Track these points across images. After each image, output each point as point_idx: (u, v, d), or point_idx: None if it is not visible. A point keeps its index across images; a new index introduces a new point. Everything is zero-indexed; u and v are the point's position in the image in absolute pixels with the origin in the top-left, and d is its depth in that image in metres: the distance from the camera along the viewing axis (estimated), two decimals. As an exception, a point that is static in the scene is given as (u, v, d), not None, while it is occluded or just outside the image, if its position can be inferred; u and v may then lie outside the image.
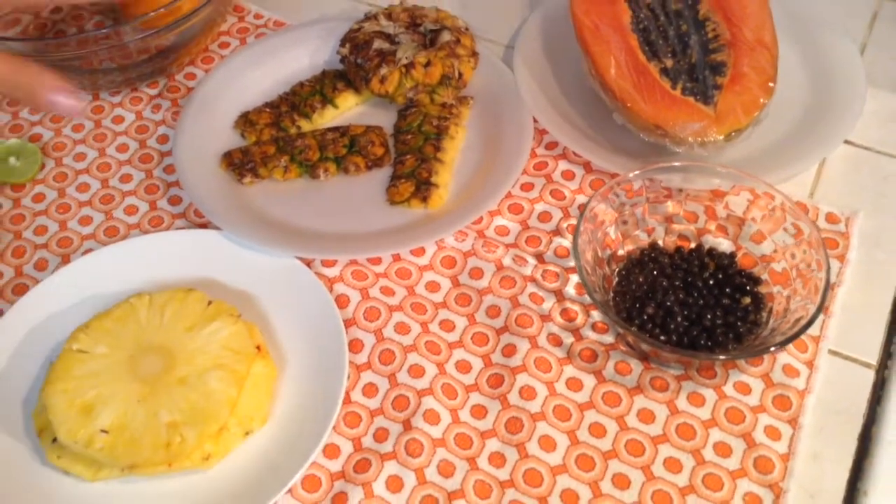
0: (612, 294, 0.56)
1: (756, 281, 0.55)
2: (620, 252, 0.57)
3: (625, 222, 0.57)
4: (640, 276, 0.56)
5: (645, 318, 0.53)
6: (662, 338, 0.53)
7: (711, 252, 0.57)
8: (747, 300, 0.54)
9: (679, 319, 0.53)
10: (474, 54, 0.70)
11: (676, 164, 0.57)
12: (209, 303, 0.53)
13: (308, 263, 0.59)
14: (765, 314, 0.54)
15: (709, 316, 0.53)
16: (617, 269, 0.57)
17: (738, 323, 0.53)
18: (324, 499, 0.49)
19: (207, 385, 0.49)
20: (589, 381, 0.54)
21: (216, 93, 0.69)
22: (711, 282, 0.55)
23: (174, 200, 0.65)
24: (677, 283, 0.55)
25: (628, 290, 0.55)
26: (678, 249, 0.57)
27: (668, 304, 0.53)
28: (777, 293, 0.54)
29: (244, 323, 0.52)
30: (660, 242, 0.58)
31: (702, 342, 0.52)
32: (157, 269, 0.58)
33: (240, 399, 0.49)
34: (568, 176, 0.64)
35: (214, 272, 0.58)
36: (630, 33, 0.64)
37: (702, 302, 0.54)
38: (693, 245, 0.58)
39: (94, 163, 0.68)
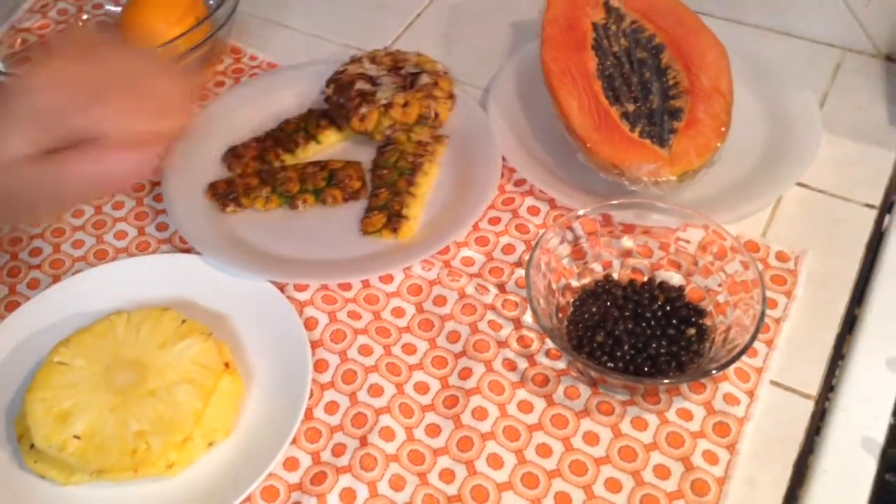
0: (565, 322, 0.59)
1: (701, 313, 0.58)
2: (575, 283, 0.61)
3: (582, 255, 0.61)
4: (594, 306, 0.59)
5: (595, 345, 0.56)
6: (610, 364, 0.56)
7: (662, 285, 0.60)
8: (692, 331, 0.57)
9: (626, 347, 0.56)
10: (451, 96, 0.74)
11: (628, 201, 0.60)
12: (183, 321, 0.56)
13: (281, 287, 0.62)
14: (707, 344, 0.57)
15: (654, 345, 0.56)
16: (572, 300, 0.60)
17: (682, 352, 0.56)
18: (281, 508, 0.52)
19: (175, 397, 0.52)
20: (539, 404, 0.56)
21: (208, 127, 0.74)
22: (660, 313, 0.58)
23: (161, 227, 0.69)
24: (627, 313, 0.58)
25: (581, 319, 0.58)
26: (631, 282, 0.60)
27: (617, 332, 0.56)
28: (719, 324, 0.57)
29: (215, 341, 0.56)
30: (615, 275, 0.61)
31: (646, 369, 0.55)
32: (138, 290, 0.62)
33: (205, 412, 0.53)
34: (533, 211, 0.68)
35: (192, 294, 0.62)
36: (595, 79, 0.68)
37: (649, 332, 0.57)
38: (646, 278, 0.61)
39: (91, 191, 0.73)
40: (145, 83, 0.48)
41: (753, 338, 0.52)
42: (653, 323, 0.57)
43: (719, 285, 0.58)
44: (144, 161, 0.48)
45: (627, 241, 0.61)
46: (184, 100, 0.50)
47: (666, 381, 0.54)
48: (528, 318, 0.61)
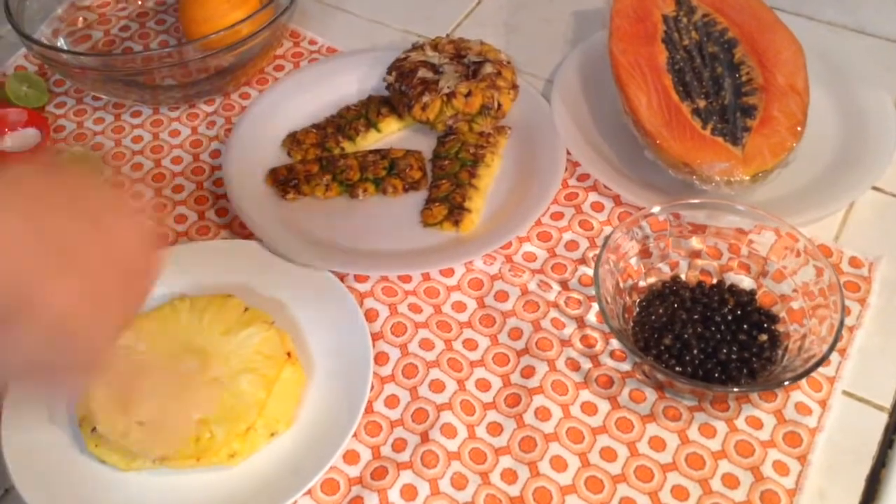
0: (631, 323, 0.58)
1: (774, 319, 0.56)
2: (642, 283, 0.59)
3: (648, 254, 0.59)
4: (661, 307, 0.57)
5: (662, 348, 0.55)
6: (678, 369, 0.54)
7: (732, 288, 0.58)
8: (764, 337, 0.55)
9: (695, 352, 0.54)
10: (514, 87, 0.73)
11: (700, 200, 0.59)
12: (245, 309, 0.56)
13: (341, 277, 0.62)
14: (780, 351, 0.55)
15: (724, 350, 0.54)
16: (638, 300, 0.59)
17: (753, 359, 0.54)
18: (341, 502, 0.52)
19: (239, 386, 0.52)
20: (604, 406, 0.55)
21: (267, 112, 0.73)
22: (730, 317, 0.56)
23: (221, 212, 0.68)
24: (696, 316, 0.56)
25: (647, 321, 0.57)
26: (700, 284, 0.59)
27: (686, 336, 0.55)
28: (793, 331, 0.55)
29: (277, 330, 0.55)
30: (682, 276, 0.60)
31: (716, 375, 0.54)
32: (199, 275, 0.61)
33: (268, 402, 0.52)
34: (597, 208, 0.66)
35: (253, 281, 0.61)
36: (665, 73, 0.67)
37: (719, 336, 0.55)
38: (715, 280, 0.59)
39: (150, 173, 0.72)
40: (104, 242, 0.39)
41: (831, 349, 0.50)
42: (722, 327, 0.56)
43: (794, 291, 0.56)
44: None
45: (697, 242, 0.60)
46: (150, 259, 0.42)
47: (736, 388, 0.53)
48: (592, 317, 0.60)
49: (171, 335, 0.55)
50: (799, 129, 0.62)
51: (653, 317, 0.57)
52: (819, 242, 0.62)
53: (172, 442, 0.50)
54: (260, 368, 0.53)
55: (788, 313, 0.56)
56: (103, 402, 0.51)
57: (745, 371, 0.54)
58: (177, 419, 0.51)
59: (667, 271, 0.60)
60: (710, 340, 0.55)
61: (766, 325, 0.56)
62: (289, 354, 0.55)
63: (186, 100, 0.77)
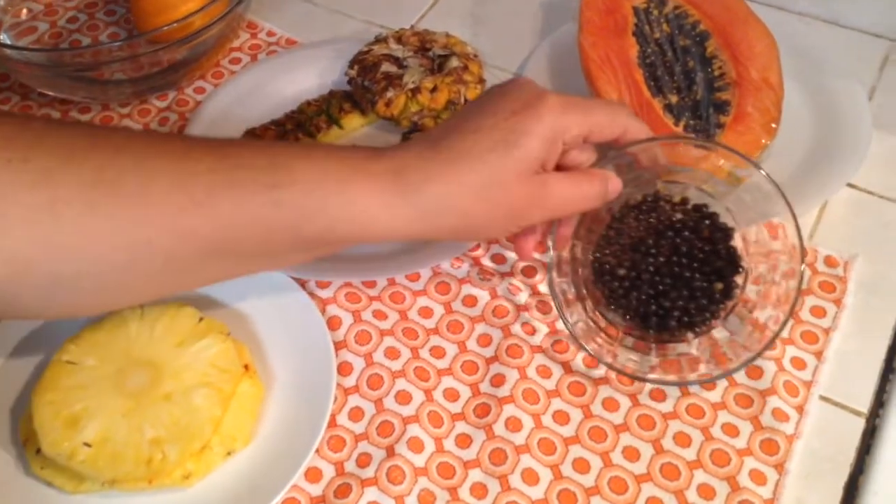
0: (592, 250, 0.55)
1: (738, 268, 0.53)
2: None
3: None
4: (634, 222, 0.54)
5: (615, 280, 0.53)
6: (623, 301, 0.53)
7: (714, 218, 0.54)
8: (720, 286, 0.52)
9: (645, 288, 0.53)
10: (481, 81, 0.70)
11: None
12: (200, 319, 0.53)
13: (302, 283, 0.59)
14: (730, 304, 0.53)
15: (672, 295, 0.52)
16: (613, 214, 0.55)
17: (695, 311, 0.52)
18: (303, 522, 0.49)
19: (192, 402, 0.49)
20: (576, 415, 0.53)
21: (223, 108, 0.70)
22: (697, 251, 0.53)
23: (175, 214, 0.65)
24: (664, 242, 0.53)
25: (616, 240, 0.54)
26: (684, 200, 0.55)
27: (642, 266, 0.53)
28: (748, 294, 0.53)
29: (234, 341, 0.53)
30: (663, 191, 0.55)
31: (654, 319, 0.52)
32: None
33: (224, 418, 0.50)
34: (567, 207, 0.64)
35: (209, 289, 0.58)
36: (636, 68, 0.65)
37: (676, 271, 0.52)
38: (701, 202, 0.54)
39: (100, 172, 0.69)
40: None
41: (788, 318, 0.49)
42: (684, 261, 0.52)
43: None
44: None
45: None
46: None
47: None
48: (562, 325, 0.56)
49: (119, 348, 0.52)
50: (773, 125, 0.61)
51: (622, 234, 0.54)
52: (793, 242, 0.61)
53: (122, 463, 0.47)
54: (215, 383, 0.50)
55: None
56: (48, 421, 0.48)
57: (685, 321, 0.52)
58: (127, 439, 0.48)
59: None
60: (664, 277, 0.53)
61: (726, 273, 0.53)
62: (246, 367, 0.52)
63: (138, 95, 0.73)
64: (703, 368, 0.51)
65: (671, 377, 0.52)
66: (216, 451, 0.49)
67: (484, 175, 0.44)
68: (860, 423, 0.53)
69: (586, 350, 0.52)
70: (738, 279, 0.53)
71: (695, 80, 0.64)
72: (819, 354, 0.55)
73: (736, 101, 0.62)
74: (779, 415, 0.53)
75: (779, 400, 0.53)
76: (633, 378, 0.53)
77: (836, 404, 0.54)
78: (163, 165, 0.39)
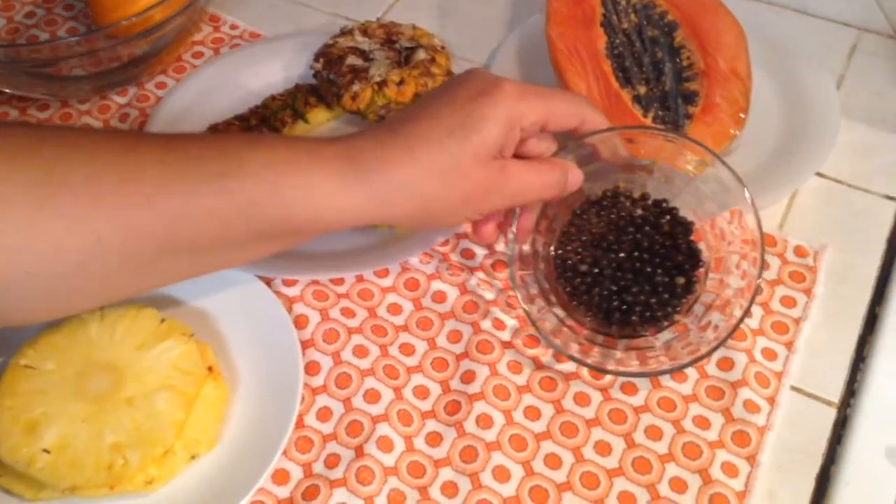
0: (553, 245, 0.55)
1: (698, 263, 0.53)
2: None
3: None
4: (596, 218, 0.54)
5: (578, 276, 0.53)
6: (585, 297, 0.52)
7: (674, 213, 0.54)
8: (681, 280, 0.52)
9: (608, 284, 0.52)
10: (449, 73, 0.69)
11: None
12: (162, 320, 0.52)
13: (268, 282, 0.58)
14: (691, 299, 0.53)
15: (635, 290, 0.52)
16: (572, 211, 0.55)
17: (661, 306, 0.52)
18: (270, 525, 0.48)
19: (154, 406, 0.48)
20: (547, 410, 0.53)
21: (185, 103, 0.69)
22: (658, 247, 0.53)
23: (137, 213, 0.64)
24: (626, 237, 0.53)
25: (576, 237, 0.54)
26: (644, 196, 0.55)
27: (604, 262, 0.53)
28: (710, 285, 0.53)
29: (197, 342, 0.51)
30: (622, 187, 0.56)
31: (616, 315, 0.52)
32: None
33: (187, 422, 0.48)
34: (537, 200, 0.63)
35: (172, 289, 0.57)
36: (604, 59, 0.64)
37: (638, 266, 0.52)
38: (661, 198, 0.55)
39: (59, 171, 0.67)
40: None
41: (746, 312, 0.48)
42: (645, 257, 0.52)
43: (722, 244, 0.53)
44: None
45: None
46: None
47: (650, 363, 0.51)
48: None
49: (79, 352, 0.50)
50: (742, 115, 0.61)
51: (583, 230, 0.54)
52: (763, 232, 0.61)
53: (82, 470, 0.46)
54: (178, 385, 0.49)
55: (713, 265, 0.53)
56: (6, 427, 0.47)
57: (647, 315, 0.52)
58: (87, 445, 0.46)
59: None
60: (626, 272, 0.52)
61: (687, 268, 0.52)
62: (210, 369, 0.51)
63: (98, 91, 0.72)
64: (667, 359, 0.51)
65: (638, 368, 0.51)
66: (180, 456, 0.48)
67: (442, 159, 0.43)
68: (831, 414, 0.53)
69: (551, 344, 0.52)
70: (700, 273, 0.53)
71: (663, 70, 0.64)
72: (790, 345, 0.55)
73: (704, 91, 0.62)
74: (750, 406, 0.52)
75: (750, 391, 0.53)
76: (600, 371, 0.52)
77: (808, 395, 0.54)
78: (112, 160, 0.38)
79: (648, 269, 0.52)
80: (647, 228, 0.53)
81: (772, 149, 0.65)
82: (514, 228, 0.52)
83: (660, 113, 0.61)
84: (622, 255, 0.53)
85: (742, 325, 0.53)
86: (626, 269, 0.53)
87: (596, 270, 0.53)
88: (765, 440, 0.51)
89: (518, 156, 0.48)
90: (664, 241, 0.53)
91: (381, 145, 0.44)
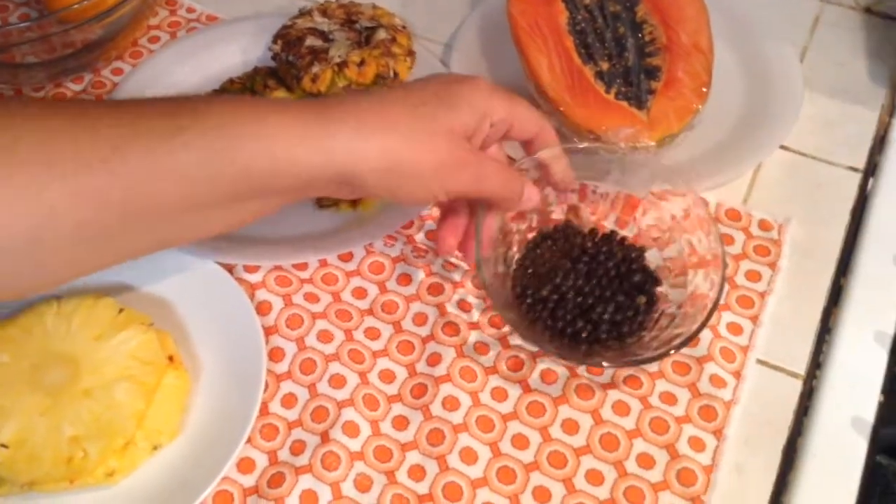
0: (514, 266, 0.55)
1: (656, 281, 0.54)
2: (534, 224, 0.57)
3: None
4: (548, 251, 0.55)
5: (538, 298, 0.53)
6: (549, 322, 0.52)
7: (623, 241, 0.55)
8: (643, 299, 0.53)
9: (570, 307, 0.52)
10: (410, 53, 0.68)
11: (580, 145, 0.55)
12: (120, 310, 0.51)
13: (230, 269, 0.57)
14: (655, 315, 0.53)
15: (598, 309, 0.52)
16: (528, 242, 0.56)
17: (625, 322, 0.52)
18: (236, 514, 0.48)
19: (113, 397, 0.47)
20: (514, 391, 0.52)
21: (142, 88, 0.67)
22: (613, 273, 0.54)
23: (94, 201, 0.62)
24: (581, 265, 0.54)
25: (532, 265, 0.55)
26: (592, 231, 0.56)
27: (564, 289, 0.53)
28: (672, 296, 0.53)
29: (156, 332, 0.51)
30: (574, 222, 0.57)
31: (583, 336, 0.51)
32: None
33: (148, 412, 0.47)
34: (502, 179, 0.63)
35: (130, 277, 0.56)
36: (566, 35, 0.63)
37: (598, 293, 0.53)
38: (608, 229, 0.56)
39: (14, 161, 0.65)
40: None
41: (701, 327, 0.48)
42: (604, 282, 0.53)
43: (686, 254, 0.53)
44: None
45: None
46: None
47: (606, 363, 0.51)
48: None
49: (35, 344, 0.49)
50: (704, 90, 0.60)
51: (538, 262, 0.54)
52: (727, 206, 0.61)
53: (41, 464, 0.45)
54: (137, 376, 0.48)
55: (672, 276, 0.54)
56: (-39, 423, 0.46)
57: (614, 334, 0.52)
58: (45, 439, 0.46)
59: (560, 216, 0.57)
60: (588, 296, 0.53)
61: (646, 287, 0.53)
62: (171, 358, 0.50)
63: (52, 79, 0.70)
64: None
65: (610, 361, 0.51)
66: (141, 447, 0.48)
67: (413, 121, 0.42)
68: (798, 386, 0.53)
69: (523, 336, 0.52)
70: (661, 289, 0.53)
71: (625, 46, 0.63)
72: (755, 319, 0.55)
73: (666, 66, 0.61)
74: (716, 381, 0.52)
75: (716, 366, 0.53)
76: (568, 362, 0.53)
77: (774, 367, 0.54)
78: (61, 125, 0.36)
79: (608, 293, 0.53)
80: (600, 258, 0.54)
81: (735, 122, 0.64)
82: (478, 238, 0.50)
83: (622, 89, 0.61)
84: (580, 281, 0.53)
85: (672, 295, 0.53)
86: (586, 294, 0.53)
87: (556, 296, 0.53)
88: (731, 414, 0.51)
89: None
90: (618, 268, 0.54)
91: (352, 100, 0.42)
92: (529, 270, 0.54)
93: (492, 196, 0.48)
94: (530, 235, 0.56)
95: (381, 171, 0.42)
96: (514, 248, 0.55)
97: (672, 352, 0.48)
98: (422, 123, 0.43)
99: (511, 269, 0.55)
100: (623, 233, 0.56)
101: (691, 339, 0.48)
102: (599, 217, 0.57)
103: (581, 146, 0.55)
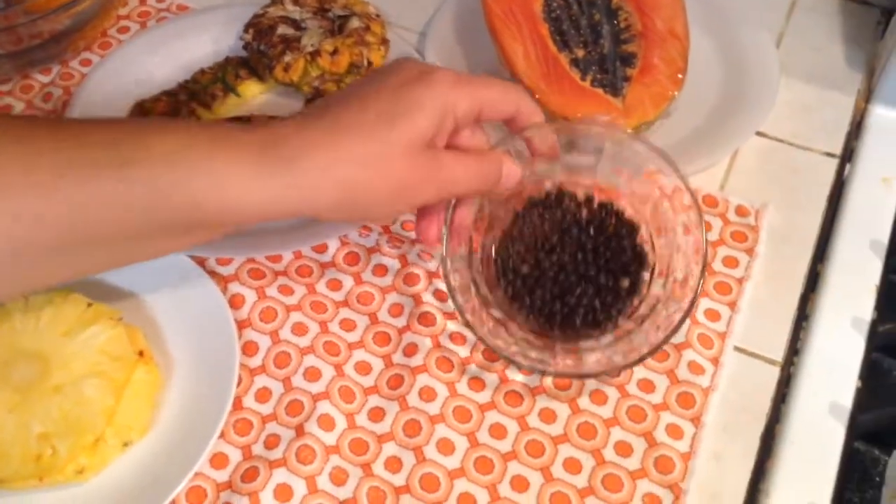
0: (494, 245, 0.53)
1: (644, 263, 0.52)
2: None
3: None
4: (540, 220, 0.52)
5: (519, 282, 0.51)
6: (527, 300, 0.51)
7: (619, 214, 0.53)
8: (626, 283, 0.51)
9: (549, 286, 0.51)
10: (384, 42, 0.67)
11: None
12: (88, 305, 0.50)
13: (201, 262, 0.56)
14: (636, 300, 0.51)
15: (578, 291, 0.50)
16: (515, 213, 0.53)
17: (603, 308, 0.50)
18: (210, 510, 0.47)
19: (82, 394, 0.46)
20: (491, 379, 0.52)
21: (111, 79, 0.66)
22: (602, 248, 0.51)
23: (63, 195, 0.61)
24: (569, 238, 0.52)
25: (519, 237, 0.52)
26: (589, 199, 0.53)
27: (546, 264, 0.51)
28: (654, 283, 0.52)
29: (126, 327, 0.50)
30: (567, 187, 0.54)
31: (558, 318, 0.50)
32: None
33: (118, 408, 0.47)
34: (478, 168, 0.62)
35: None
36: (541, 22, 0.63)
37: (582, 270, 0.51)
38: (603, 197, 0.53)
39: (-19, 154, 0.64)
40: None
41: (685, 316, 0.47)
42: (590, 258, 0.51)
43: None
44: None
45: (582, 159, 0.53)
46: None
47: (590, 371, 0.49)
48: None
49: (3, 341, 0.48)
50: (680, 76, 0.60)
51: (525, 235, 0.52)
52: (704, 193, 0.60)
53: (9, 462, 0.44)
54: (107, 371, 0.47)
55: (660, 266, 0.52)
56: (-74, 422, 0.45)
57: (590, 319, 0.50)
58: (13, 436, 0.45)
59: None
60: (570, 273, 0.51)
61: (631, 269, 0.51)
62: (141, 353, 0.49)
63: (19, 70, 0.69)
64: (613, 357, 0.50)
65: (573, 369, 0.49)
66: (111, 444, 0.47)
67: (368, 146, 0.41)
68: (775, 372, 0.53)
69: (489, 345, 0.49)
70: (646, 274, 0.52)
71: (601, 33, 0.63)
72: (733, 305, 0.55)
73: (642, 53, 0.61)
74: (694, 368, 0.52)
75: (694, 353, 0.53)
76: (533, 370, 0.51)
77: (751, 354, 0.54)
78: (3, 147, 0.36)
79: (592, 272, 0.51)
80: (591, 230, 0.52)
81: (711, 109, 0.64)
82: (447, 223, 0.49)
83: (598, 76, 0.60)
84: (566, 256, 0.51)
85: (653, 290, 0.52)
86: (569, 272, 0.51)
87: (537, 273, 0.51)
88: (709, 401, 0.51)
89: (451, 147, 0.46)
90: (609, 243, 0.52)
91: (303, 131, 0.41)
92: (515, 241, 0.52)
93: (466, 193, 0.47)
94: (520, 208, 0.53)
95: (338, 203, 0.41)
96: (498, 220, 0.53)
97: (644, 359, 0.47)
98: (377, 147, 0.41)
99: (495, 239, 0.53)
100: (620, 205, 0.53)
101: (657, 351, 0.47)
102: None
103: (575, 126, 0.53)
